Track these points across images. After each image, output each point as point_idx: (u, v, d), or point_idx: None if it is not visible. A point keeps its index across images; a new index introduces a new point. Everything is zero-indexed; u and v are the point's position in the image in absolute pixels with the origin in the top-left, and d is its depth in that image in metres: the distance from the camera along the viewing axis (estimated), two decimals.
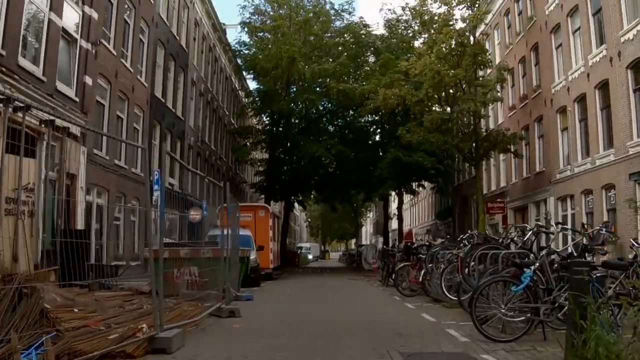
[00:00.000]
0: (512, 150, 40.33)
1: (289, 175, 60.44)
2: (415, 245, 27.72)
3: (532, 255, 14.35)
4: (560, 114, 36.78)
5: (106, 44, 30.99)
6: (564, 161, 36.56)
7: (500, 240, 17.68)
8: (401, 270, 24.27)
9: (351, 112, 59.53)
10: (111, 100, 32.01)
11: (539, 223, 17.05)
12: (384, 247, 36.28)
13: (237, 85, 67.00)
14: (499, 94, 39.67)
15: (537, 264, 12.32)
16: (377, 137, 60.77)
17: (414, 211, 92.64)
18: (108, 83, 31.66)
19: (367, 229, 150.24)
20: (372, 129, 62.10)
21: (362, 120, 61.68)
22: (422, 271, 22.08)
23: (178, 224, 31.16)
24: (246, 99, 63.04)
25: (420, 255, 23.42)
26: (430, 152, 47.95)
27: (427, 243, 25.10)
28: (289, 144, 56.43)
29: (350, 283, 35.15)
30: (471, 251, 16.39)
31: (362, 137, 59.70)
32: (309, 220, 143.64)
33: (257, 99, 57.86)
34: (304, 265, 74.56)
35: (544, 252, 12.97)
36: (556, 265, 12.91)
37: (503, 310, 11.89)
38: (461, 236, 21.93)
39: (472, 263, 16.14)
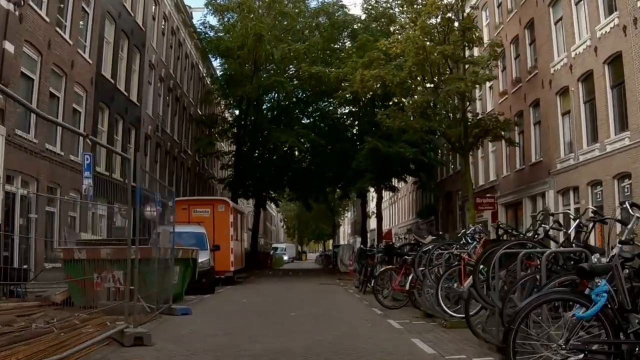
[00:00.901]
0: (506, 137, 35.46)
1: (260, 171, 55.53)
2: (399, 244, 22.75)
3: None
4: (560, 96, 32.18)
5: (35, 7, 25.81)
6: (565, 149, 31.97)
7: (525, 235, 12.56)
8: (382, 275, 19.20)
9: (325, 101, 54.62)
10: (42, 74, 26.80)
11: (591, 208, 11.63)
12: (362, 247, 30.85)
13: (204, 74, 61.40)
14: (492, 73, 34.58)
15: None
16: (355, 130, 55.39)
17: (393, 210, 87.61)
18: (38, 54, 26.48)
19: (344, 229, 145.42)
20: (348, 122, 56.94)
21: (338, 112, 56.73)
22: (409, 276, 17.02)
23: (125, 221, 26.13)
24: (212, 85, 57.21)
25: (406, 257, 18.31)
26: (413, 143, 43.13)
27: (412, 241, 19.67)
28: (258, 135, 51.01)
29: (323, 288, 30.13)
30: (488, 250, 11.12)
31: (338, 129, 54.81)
32: (285, 220, 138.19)
33: (222, 83, 52.37)
34: (277, 267, 69.25)
35: (615, 250, 7.72)
36: (626, 271, 7.65)
37: (563, 352, 6.67)
38: (463, 231, 16.67)
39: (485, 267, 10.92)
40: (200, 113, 56.29)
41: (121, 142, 37.23)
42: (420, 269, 15.86)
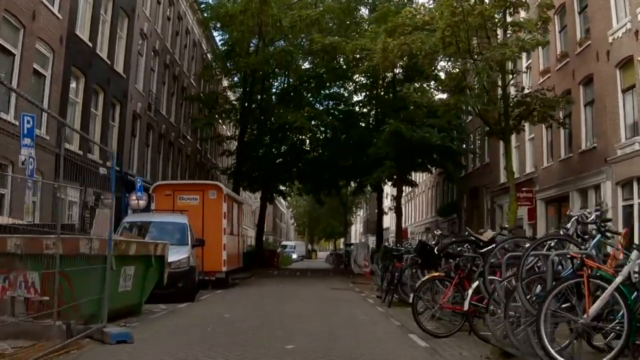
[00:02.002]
0: (556, 118, 29.30)
1: (266, 160, 49.45)
2: (436, 243, 16.77)
3: None
4: (621, 69, 25.96)
5: None
6: (627, 132, 25.80)
7: None
8: (423, 286, 12.73)
9: (340, 85, 48.56)
10: None
11: None
12: (386, 245, 24.25)
13: (208, 51, 54.14)
14: (542, 38, 28.35)
15: None
16: (372, 120, 49.04)
17: (409, 208, 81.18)
18: None
19: (356, 227, 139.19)
20: (365, 110, 50.61)
21: (354, 99, 50.61)
22: (469, 290, 10.80)
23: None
24: (211, 57, 50.02)
25: (460, 261, 12.12)
26: (440, 128, 36.94)
27: (471, 238, 13.14)
28: (264, 118, 44.67)
29: (335, 296, 23.90)
30: None
31: (353, 117, 48.64)
32: (294, 217, 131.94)
33: (223, 55, 46.04)
34: (284, 266, 62.93)
35: None
36: None
37: None
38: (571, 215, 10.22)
39: None
40: (202, 96, 49.60)
41: (101, 117, 31.17)
42: (493, 280, 9.65)
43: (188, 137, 48.63)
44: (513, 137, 38.52)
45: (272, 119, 42.94)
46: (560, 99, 28.52)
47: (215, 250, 25.58)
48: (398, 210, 44.47)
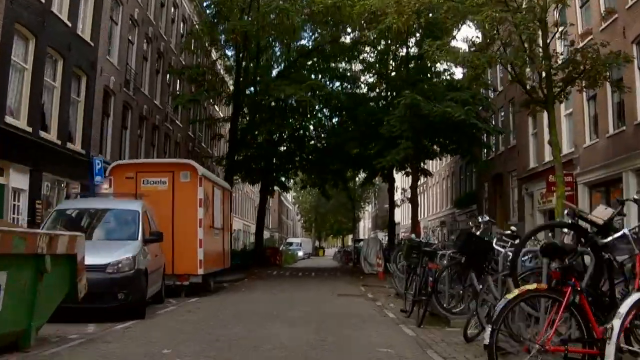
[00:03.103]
0: (613, 81, 23.52)
1: (265, 148, 43.73)
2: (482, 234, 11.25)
3: None
4: None
5: None
6: None
7: None
8: (509, 309, 6.58)
9: (346, 60, 42.65)
10: None
11: None
12: (412, 238, 17.61)
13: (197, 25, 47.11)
14: None
15: None
16: (382, 102, 43.08)
17: (421, 201, 74.95)
18: None
19: (365, 223, 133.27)
20: (373, 94, 44.61)
21: (362, 80, 44.71)
22: (616, 320, 4.93)
23: None
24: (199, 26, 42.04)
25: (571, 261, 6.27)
26: (463, 102, 31.17)
27: (575, 220, 7.18)
28: (257, 97, 38.42)
29: (342, 307, 17.86)
30: None
31: (361, 98, 42.47)
32: (301, 213, 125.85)
33: (210, 19, 39.52)
34: (288, 265, 56.93)
35: None
36: None
37: None
38: None
39: None
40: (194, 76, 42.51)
41: (60, 89, 25.33)
42: None
43: (177, 121, 42.78)
44: (530, 122, 33.11)
45: (268, 96, 36.57)
46: (617, 56, 22.52)
47: (189, 247, 19.84)
48: (414, 201, 38.38)
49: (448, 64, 38.25)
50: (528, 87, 24.14)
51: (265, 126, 40.97)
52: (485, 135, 37.98)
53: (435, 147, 39.40)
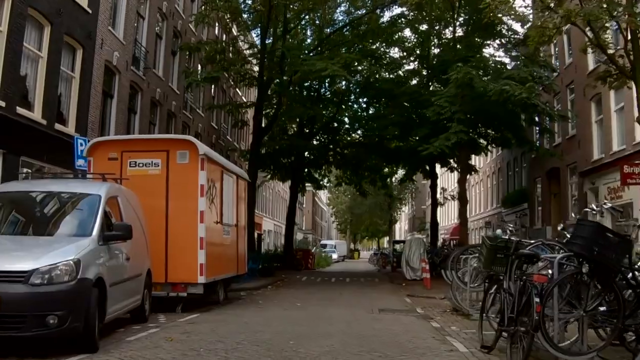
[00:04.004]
0: None
1: (295, 142, 39.15)
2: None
3: None
4: None
5: None
6: None
7: None
8: None
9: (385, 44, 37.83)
10: None
11: None
12: (488, 238, 12.52)
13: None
14: None
15: None
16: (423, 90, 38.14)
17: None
18: None
19: (401, 225, 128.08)
20: (415, 81, 39.60)
21: (403, 68, 39.75)
22: None
23: None
24: None
25: None
26: (520, 82, 26.22)
27: None
28: (285, 77, 33.33)
29: (384, 329, 12.89)
30: None
31: (400, 85, 37.48)
32: (335, 214, 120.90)
33: None
34: (320, 269, 52.05)
35: None
36: None
37: None
38: None
39: None
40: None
41: (46, 60, 20.78)
42: None
43: (198, 110, 38.21)
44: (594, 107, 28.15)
45: (295, 72, 31.42)
46: None
47: (187, 248, 15.11)
48: (462, 197, 33.11)
49: (503, 40, 33.50)
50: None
51: (295, 112, 36.19)
52: (547, 121, 32.71)
53: (484, 137, 34.61)
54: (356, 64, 31.62)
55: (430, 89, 35.71)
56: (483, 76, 28.73)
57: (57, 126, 21.63)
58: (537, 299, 7.71)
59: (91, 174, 14.25)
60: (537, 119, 31.42)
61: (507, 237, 9.73)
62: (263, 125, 35.39)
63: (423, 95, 30.47)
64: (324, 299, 20.55)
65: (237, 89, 47.59)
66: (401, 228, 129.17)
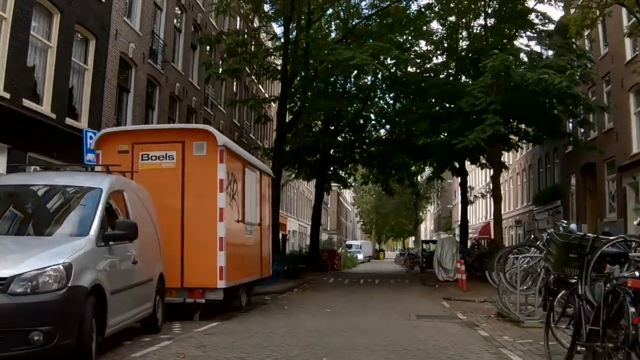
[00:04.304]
0: None
1: (320, 139, 37.64)
2: None
3: None
4: None
5: None
6: None
7: None
8: None
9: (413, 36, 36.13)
10: None
11: None
12: (558, 234, 10.86)
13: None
14: None
15: None
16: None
17: (489, 200, 67.73)
18: None
19: (426, 225, 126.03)
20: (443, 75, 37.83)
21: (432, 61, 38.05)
22: None
23: None
24: None
25: None
26: (559, 70, 24.51)
27: None
28: (310, 70, 31.66)
29: (427, 339, 11.21)
30: None
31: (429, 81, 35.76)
32: (360, 214, 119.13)
33: None
34: (346, 269, 50.45)
35: None
36: None
37: None
38: None
39: None
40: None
41: (55, 50, 19.40)
42: None
43: (220, 107, 36.78)
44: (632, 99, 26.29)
45: (322, 63, 29.68)
46: None
47: (205, 250, 13.61)
48: (497, 194, 31.29)
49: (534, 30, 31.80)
50: None
51: (320, 106, 34.61)
52: (584, 113, 30.81)
53: (515, 133, 32.90)
54: (383, 56, 29.75)
55: (460, 79, 34.11)
56: (518, 66, 27.08)
57: (68, 121, 20.26)
58: (632, 309, 6.13)
59: (97, 167, 12.74)
60: (574, 110, 29.54)
61: (581, 233, 8.12)
62: (287, 120, 33.83)
63: (454, 87, 28.68)
64: (354, 303, 18.92)
65: (260, 85, 46.09)
66: (426, 228, 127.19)
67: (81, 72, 21.68)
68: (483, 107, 24.66)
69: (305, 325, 13.26)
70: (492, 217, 64.79)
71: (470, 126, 26.72)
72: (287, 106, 33.39)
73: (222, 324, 13.17)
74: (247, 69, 32.85)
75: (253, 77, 37.66)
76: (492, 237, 57.08)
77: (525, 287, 13.12)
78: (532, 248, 13.90)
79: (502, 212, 59.44)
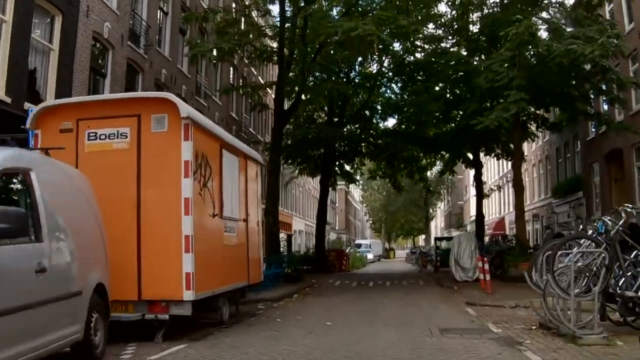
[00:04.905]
0: None
1: (324, 131, 34.81)
2: None
3: None
4: None
5: None
6: None
7: None
8: None
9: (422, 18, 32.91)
10: None
11: None
12: None
13: None
14: None
15: None
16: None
17: (503, 194, 64.47)
18: None
19: (436, 222, 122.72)
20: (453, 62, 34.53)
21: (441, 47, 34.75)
22: None
23: None
24: None
25: None
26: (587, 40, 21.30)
27: None
28: (309, 49, 28.34)
29: None
30: None
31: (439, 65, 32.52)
32: (369, 213, 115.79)
33: None
34: (355, 270, 47.23)
35: None
36: None
37: None
38: None
39: None
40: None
41: (11, 24, 16.40)
42: None
43: (214, 98, 33.74)
44: None
45: (320, 36, 26.19)
46: None
47: (167, 252, 10.55)
48: (518, 185, 27.92)
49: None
50: None
51: (321, 88, 31.36)
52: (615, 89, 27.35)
53: (533, 119, 29.71)
54: (390, 29, 26.38)
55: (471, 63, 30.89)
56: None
57: (28, 105, 17.25)
58: None
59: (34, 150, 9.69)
60: (604, 87, 26.20)
61: None
62: (285, 108, 30.66)
63: (469, 65, 25.25)
64: (360, 313, 15.63)
65: (259, 77, 42.83)
66: (437, 225, 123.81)
67: (45, 52, 18.77)
68: (505, 82, 21.38)
69: (296, 347, 10.13)
70: (506, 212, 62.16)
71: (487, 108, 23.51)
72: (286, 92, 30.11)
73: (188, 348, 10.09)
74: (239, 51, 29.36)
75: (246, 60, 34.08)
76: (505, 232, 54.44)
77: (579, 291, 10.08)
78: (583, 240, 10.85)
79: (513, 208, 56.54)
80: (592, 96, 27.72)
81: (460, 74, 27.37)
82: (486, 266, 20.30)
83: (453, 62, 27.48)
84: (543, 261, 10.82)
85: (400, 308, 16.93)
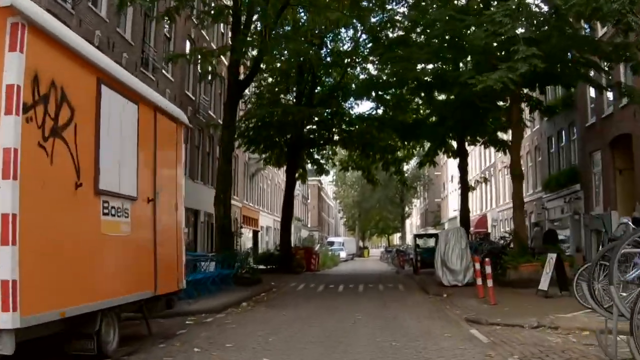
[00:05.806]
0: None
1: (288, 110, 31.14)
2: None
3: None
4: None
5: None
6: None
7: None
8: None
9: None
10: None
11: None
12: None
13: None
14: None
15: None
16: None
17: (485, 189, 59.92)
18: None
19: (412, 221, 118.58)
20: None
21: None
22: None
23: None
24: None
25: None
26: None
27: None
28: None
29: None
30: None
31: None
32: (343, 209, 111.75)
33: None
34: (326, 269, 42.75)
35: None
36: None
37: None
38: None
39: None
40: None
41: None
42: None
43: (166, 73, 29.04)
44: None
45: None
46: None
47: None
48: (517, 172, 23.26)
49: None
50: None
51: (284, 50, 26.86)
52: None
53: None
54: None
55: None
56: None
57: None
58: None
59: None
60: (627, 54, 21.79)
61: None
62: (241, 78, 25.92)
63: (463, 22, 20.45)
64: (321, 339, 10.80)
65: (212, 43, 37.78)
66: (412, 224, 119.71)
67: None
68: (511, 34, 16.79)
69: None
70: (487, 209, 57.93)
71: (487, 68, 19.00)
72: (243, 56, 25.29)
73: None
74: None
75: (195, 20, 28.99)
76: (487, 230, 50.33)
77: None
78: None
79: (501, 202, 52.35)
80: (606, 63, 23.27)
81: (447, 36, 22.58)
82: (487, 269, 15.70)
83: (439, 25, 22.51)
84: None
85: (378, 329, 11.90)
